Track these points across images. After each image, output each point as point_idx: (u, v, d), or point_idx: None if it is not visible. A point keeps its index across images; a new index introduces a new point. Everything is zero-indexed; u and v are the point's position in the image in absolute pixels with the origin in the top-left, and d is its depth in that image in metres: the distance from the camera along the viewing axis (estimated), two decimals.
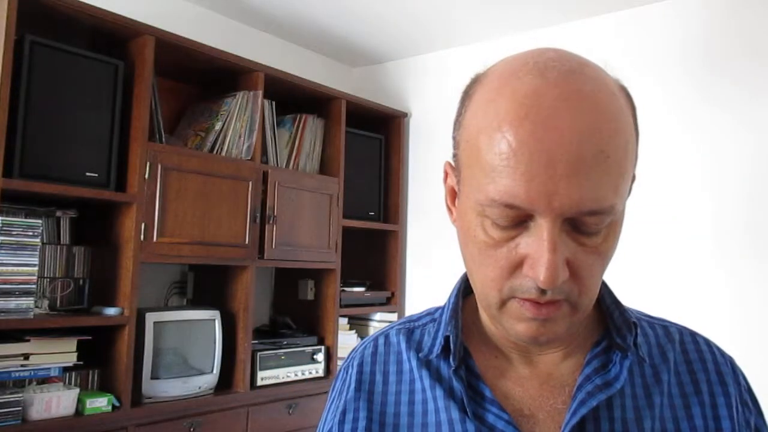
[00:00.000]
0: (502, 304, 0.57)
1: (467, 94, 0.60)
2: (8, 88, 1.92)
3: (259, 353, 2.64)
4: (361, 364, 0.70)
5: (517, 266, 0.55)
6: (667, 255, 2.63)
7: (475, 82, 0.60)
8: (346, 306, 3.08)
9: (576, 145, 0.51)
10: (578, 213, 0.52)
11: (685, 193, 2.61)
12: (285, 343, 2.80)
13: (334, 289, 3.00)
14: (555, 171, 0.51)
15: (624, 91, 0.60)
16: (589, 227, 0.53)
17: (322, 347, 2.91)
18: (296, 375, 2.78)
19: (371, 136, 3.38)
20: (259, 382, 2.63)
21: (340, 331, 3.01)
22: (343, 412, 0.67)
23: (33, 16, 2.09)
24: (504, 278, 0.56)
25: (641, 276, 2.65)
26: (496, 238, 0.55)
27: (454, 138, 0.61)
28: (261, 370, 2.64)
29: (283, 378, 2.72)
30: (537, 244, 0.53)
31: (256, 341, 2.69)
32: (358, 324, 3.25)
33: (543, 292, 0.54)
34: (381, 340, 0.72)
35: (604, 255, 0.56)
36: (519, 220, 0.54)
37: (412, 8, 2.92)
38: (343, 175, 3.07)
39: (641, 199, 2.73)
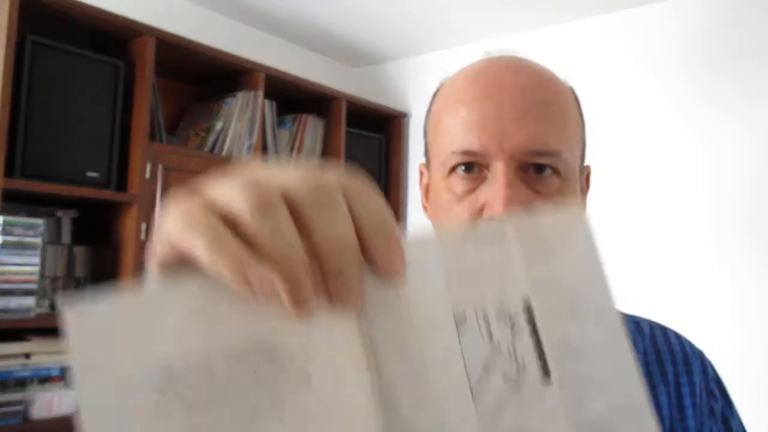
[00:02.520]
0: None
1: (434, 96, 0.70)
2: (10, 88, 1.92)
3: None
4: None
5: (478, 215, 0.59)
6: (666, 254, 2.63)
7: (442, 84, 0.70)
8: None
9: (520, 95, 0.59)
10: (527, 153, 0.58)
11: (685, 193, 2.62)
12: None
13: None
14: (503, 117, 0.58)
15: (569, 85, 0.67)
16: (540, 169, 0.59)
17: None
18: None
19: (371, 136, 3.38)
20: None
21: None
22: None
23: (34, 17, 2.09)
24: None
25: (641, 275, 2.65)
26: (459, 193, 0.61)
27: (424, 129, 0.70)
28: None
29: None
30: (494, 186, 0.58)
31: None
32: None
33: None
34: None
35: None
36: (478, 170, 0.60)
37: (412, 8, 2.92)
38: None
39: (641, 199, 2.74)
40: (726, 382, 0.70)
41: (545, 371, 0.33)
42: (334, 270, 0.30)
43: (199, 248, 0.29)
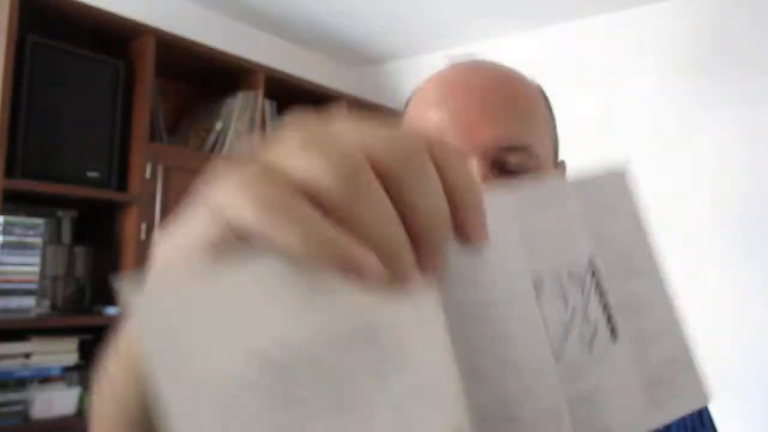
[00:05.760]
0: None
1: (406, 104, 0.73)
2: (10, 88, 1.92)
3: None
4: None
5: None
6: (666, 255, 2.63)
7: (413, 92, 0.73)
8: None
9: (486, 92, 0.61)
10: (498, 148, 0.59)
11: (684, 195, 2.62)
12: None
13: None
14: (471, 113, 0.60)
15: (537, 84, 0.68)
16: (512, 166, 0.59)
17: None
18: None
19: None
20: None
21: None
22: None
23: (34, 17, 2.09)
24: None
25: None
26: None
27: None
28: None
29: None
30: None
31: None
32: None
33: None
34: None
35: None
36: None
37: (412, 8, 2.93)
38: None
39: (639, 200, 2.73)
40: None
41: (613, 330, 0.33)
42: (431, 245, 0.28)
43: (290, 236, 0.25)
